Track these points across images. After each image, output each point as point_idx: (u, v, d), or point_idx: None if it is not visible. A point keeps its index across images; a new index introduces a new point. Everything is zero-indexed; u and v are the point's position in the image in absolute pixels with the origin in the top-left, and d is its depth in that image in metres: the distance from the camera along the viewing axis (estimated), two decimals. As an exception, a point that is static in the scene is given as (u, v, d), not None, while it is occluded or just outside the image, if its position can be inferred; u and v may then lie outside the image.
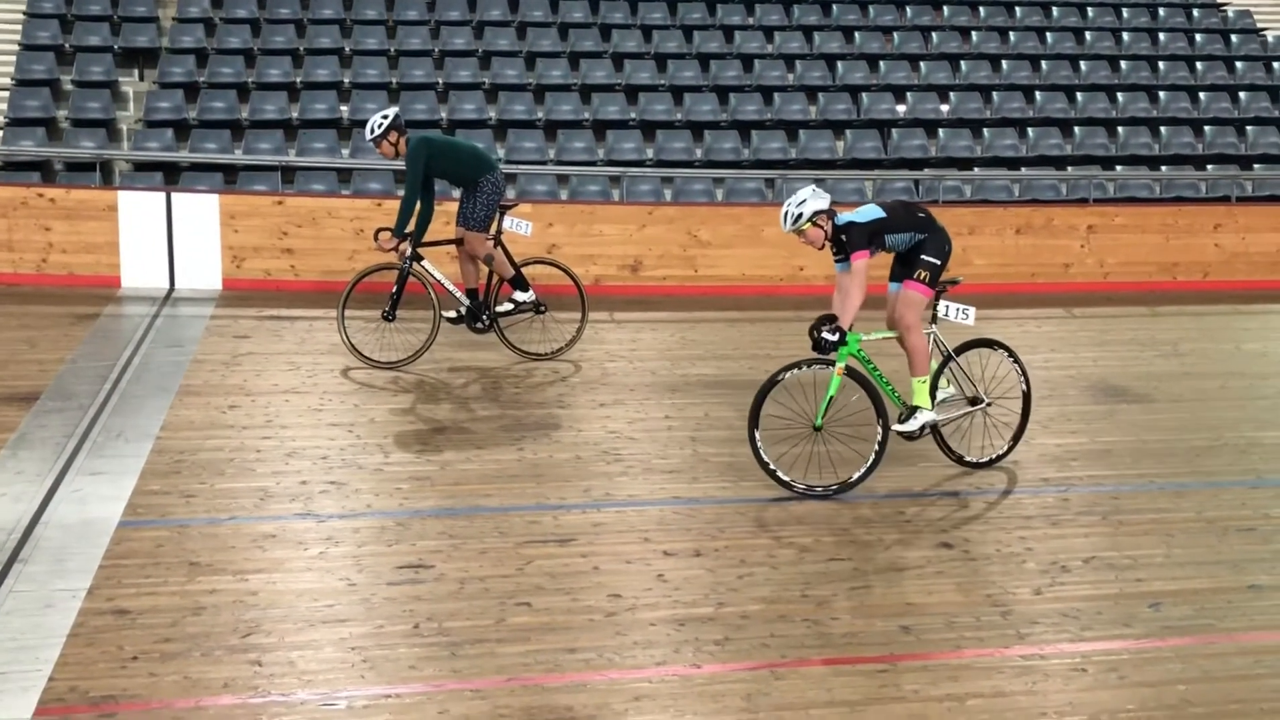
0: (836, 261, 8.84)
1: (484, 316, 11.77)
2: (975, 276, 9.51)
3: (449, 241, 11.83)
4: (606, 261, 15.09)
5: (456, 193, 12.40)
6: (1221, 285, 16.54)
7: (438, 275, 11.69)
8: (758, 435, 8.61)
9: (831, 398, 8.61)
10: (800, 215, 8.60)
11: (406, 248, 11.41)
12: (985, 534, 8.13)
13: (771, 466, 8.66)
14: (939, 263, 8.86)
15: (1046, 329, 14.11)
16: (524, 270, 11.80)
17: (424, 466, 9.06)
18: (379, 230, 11.52)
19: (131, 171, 16.49)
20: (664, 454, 9.49)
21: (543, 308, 11.89)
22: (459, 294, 11.79)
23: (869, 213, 8.76)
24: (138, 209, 14.41)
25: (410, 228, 11.34)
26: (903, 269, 8.94)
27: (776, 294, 15.37)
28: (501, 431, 9.94)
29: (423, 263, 11.59)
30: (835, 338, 8.47)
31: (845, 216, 8.74)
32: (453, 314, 11.81)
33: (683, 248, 15.39)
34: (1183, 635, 6.78)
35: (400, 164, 11.84)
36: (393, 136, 11.40)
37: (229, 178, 16.24)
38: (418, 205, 11.35)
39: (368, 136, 11.44)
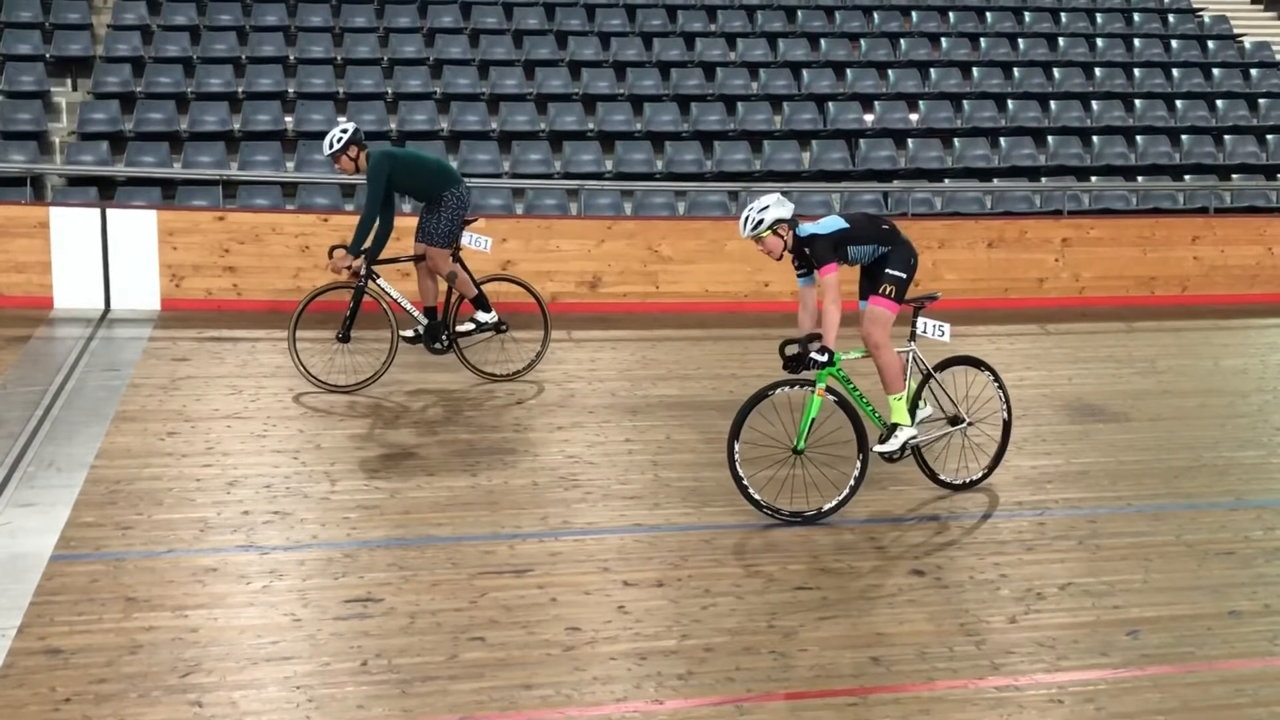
0: (799, 276, 8.86)
1: (443, 336, 11.75)
2: (946, 292, 9.54)
3: (407, 259, 11.81)
4: (564, 278, 15.09)
5: (408, 206, 12.38)
6: (1200, 299, 16.66)
7: (394, 294, 11.67)
8: (737, 456, 8.59)
9: (813, 420, 8.62)
10: (760, 222, 8.61)
11: (361, 265, 11.39)
12: (958, 560, 8.15)
13: (750, 490, 8.65)
14: (904, 276, 8.89)
15: (1020, 346, 14.17)
16: (483, 287, 11.80)
17: (373, 495, 9.02)
18: (333, 247, 11.50)
19: (64, 186, 16.39)
20: (624, 479, 9.49)
21: (504, 327, 11.89)
22: (417, 313, 11.78)
23: (831, 224, 8.79)
24: (71, 226, 14.33)
25: (367, 244, 11.33)
26: (869, 284, 8.97)
27: (741, 311, 15.40)
28: (454, 457, 9.91)
29: (379, 281, 11.57)
30: (825, 358, 8.49)
31: (807, 228, 8.77)
32: (410, 333, 11.79)
33: (643, 263, 15.41)
34: (1162, 664, 6.80)
35: (356, 179, 11.79)
36: (352, 151, 11.39)
37: (167, 192, 16.16)
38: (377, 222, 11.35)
39: (325, 151, 11.43)
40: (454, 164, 17.05)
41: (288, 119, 17.72)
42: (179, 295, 14.51)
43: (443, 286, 11.78)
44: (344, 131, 11.40)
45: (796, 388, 8.68)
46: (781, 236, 8.67)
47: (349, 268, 11.34)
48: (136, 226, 14.43)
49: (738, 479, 8.63)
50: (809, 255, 8.70)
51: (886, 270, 8.87)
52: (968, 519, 8.90)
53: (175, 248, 14.48)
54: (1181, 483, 9.77)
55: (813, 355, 8.48)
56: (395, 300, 11.65)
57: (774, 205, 8.64)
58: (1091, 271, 16.45)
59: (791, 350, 8.64)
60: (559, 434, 10.54)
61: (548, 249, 15.14)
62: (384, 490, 9.12)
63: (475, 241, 11.89)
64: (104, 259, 14.39)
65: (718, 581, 7.70)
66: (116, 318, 14.12)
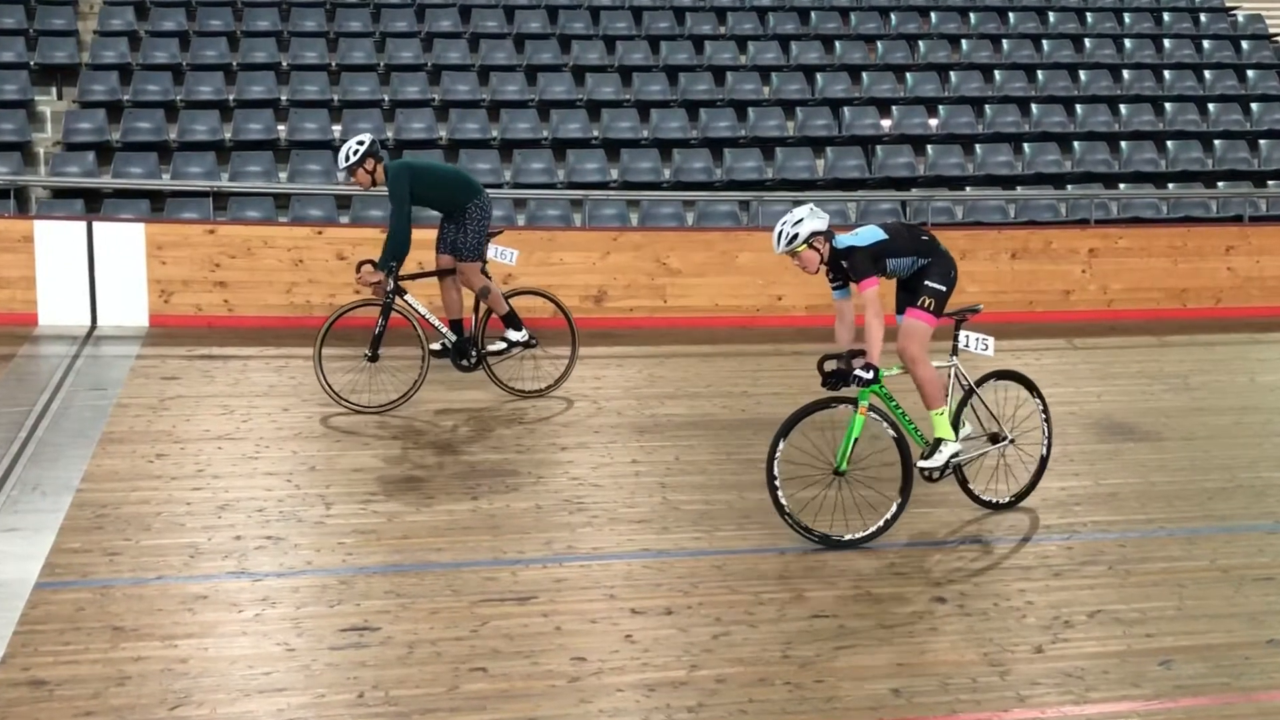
0: (834, 289, 8.87)
1: (471, 353, 11.78)
2: (981, 304, 9.57)
3: (431, 273, 11.84)
4: (568, 292, 15.04)
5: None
6: (1234, 312, 16.64)
7: (422, 310, 11.69)
8: (778, 477, 8.56)
9: (855, 439, 8.62)
10: (796, 236, 8.60)
11: (389, 282, 11.41)
12: (982, 586, 8.14)
13: (789, 511, 8.63)
14: (944, 289, 8.89)
15: (1046, 362, 14.16)
16: (510, 300, 11.84)
17: (369, 519, 9.03)
18: (361, 262, 11.49)
19: (49, 199, 16.43)
20: (631, 502, 9.49)
21: (534, 343, 11.94)
22: (444, 328, 11.81)
23: (869, 235, 8.78)
24: (56, 240, 14.37)
25: (395, 261, 11.36)
26: (907, 297, 8.97)
27: (752, 325, 15.41)
28: (454, 480, 9.92)
29: (406, 297, 11.59)
30: (870, 375, 8.49)
31: (844, 239, 8.76)
32: (437, 346, 11.81)
33: (650, 276, 15.42)
34: (1196, 696, 6.79)
35: (375, 192, 11.77)
36: (369, 164, 11.40)
37: (156, 205, 16.19)
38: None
39: (341, 164, 11.45)
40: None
41: (280, 128, 17.75)
42: (168, 311, 14.54)
43: (468, 301, 11.80)
44: (360, 144, 11.39)
45: (837, 406, 8.67)
46: (818, 250, 8.66)
47: (379, 284, 11.36)
48: (124, 240, 14.46)
49: (778, 502, 8.60)
50: (846, 268, 8.69)
51: (926, 283, 8.88)
52: (992, 543, 8.89)
53: (164, 262, 14.50)
54: (1216, 505, 9.76)
55: (857, 372, 8.48)
56: (423, 316, 11.67)
57: (808, 218, 8.62)
58: (1120, 283, 16.44)
59: (830, 366, 8.64)
60: (563, 455, 10.55)
61: (550, 262, 15.16)
62: (381, 514, 9.12)
63: (501, 254, 11.92)
64: (90, 274, 14.42)
65: (729, 609, 7.69)
66: (103, 335, 14.16)
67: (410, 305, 11.62)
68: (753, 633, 7.40)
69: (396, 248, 11.31)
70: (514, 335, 11.84)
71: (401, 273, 11.53)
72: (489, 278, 11.73)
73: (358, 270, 11.49)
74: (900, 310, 9.02)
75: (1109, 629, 7.52)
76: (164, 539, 8.54)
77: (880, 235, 8.78)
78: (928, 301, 8.85)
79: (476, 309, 11.84)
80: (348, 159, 11.39)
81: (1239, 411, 12.32)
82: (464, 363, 11.85)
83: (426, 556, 8.40)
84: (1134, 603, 7.88)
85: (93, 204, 16.11)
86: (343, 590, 7.82)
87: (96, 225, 14.55)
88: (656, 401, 12.17)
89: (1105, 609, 7.79)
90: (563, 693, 6.65)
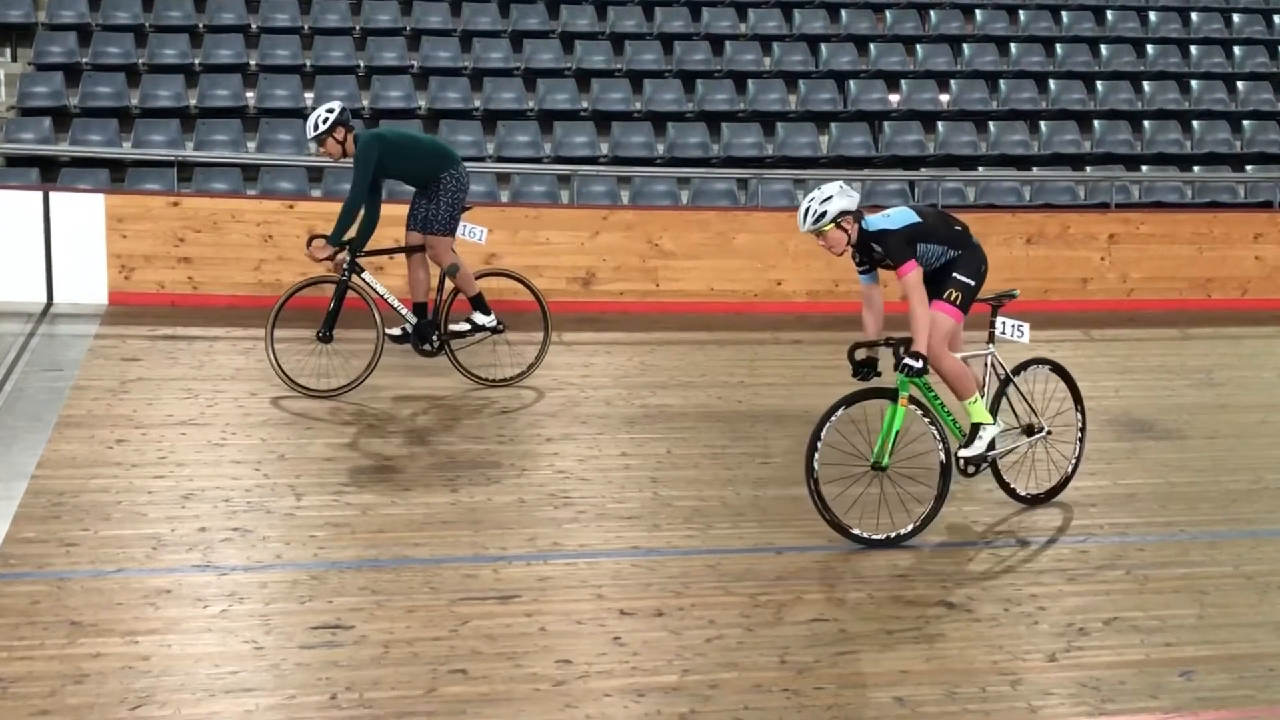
0: (861, 273, 8.90)
1: (434, 337, 11.79)
2: (1017, 290, 9.63)
3: (395, 250, 11.86)
4: (554, 274, 15.10)
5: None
6: (1262, 304, 16.67)
7: (381, 290, 11.70)
8: (816, 473, 8.59)
9: (897, 432, 8.68)
10: (824, 214, 8.61)
11: (345, 257, 11.43)
12: (992, 591, 8.18)
13: (833, 510, 8.67)
14: (973, 284, 8.94)
15: (1061, 354, 14.09)
16: (478, 282, 11.85)
17: (342, 511, 9.06)
18: (312, 236, 11.52)
19: (2, 167, 16.42)
20: (620, 497, 9.52)
21: (502, 328, 11.94)
22: (405, 310, 11.81)
23: (902, 217, 8.80)
24: (9, 211, 14.34)
25: (349, 234, 11.37)
26: (932, 289, 8.97)
27: (750, 312, 15.42)
28: (433, 470, 9.95)
29: (364, 275, 11.61)
30: (919, 364, 8.52)
31: (875, 221, 8.77)
32: (397, 332, 11.81)
33: (642, 258, 15.44)
34: (1218, 708, 6.83)
35: (344, 164, 11.80)
36: (339, 133, 11.41)
37: (116, 174, 16.19)
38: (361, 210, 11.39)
39: (310, 134, 11.46)
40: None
41: (249, 94, 17.74)
42: (128, 288, 14.52)
43: (434, 281, 11.81)
44: (330, 111, 11.41)
45: (874, 398, 8.72)
46: (845, 230, 8.68)
47: (330, 259, 11.38)
48: (82, 212, 14.43)
49: (823, 508, 8.65)
50: (876, 252, 8.72)
51: (954, 275, 8.92)
52: (1002, 545, 8.94)
53: (125, 236, 14.50)
54: (1240, 507, 9.80)
55: (906, 361, 8.52)
56: (381, 296, 11.68)
57: (838, 195, 8.63)
58: (1141, 271, 16.47)
59: (862, 355, 8.68)
60: (548, 446, 10.58)
61: (536, 241, 15.16)
62: (355, 506, 9.15)
63: (469, 232, 11.92)
64: (46, 247, 14.39)
65: (724, 611, 7.73)
66: (60, 313, 14.15)
67: (368, 284, 11.63)
68: (748, 636, 7.43)
69: (348, 222, 11.32)
70: (481, 319, 11.85)
71: (367, 249, 11.58)
72: (458, 256, 11.74)
73: (308, 244, 11.51)
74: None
75: (1126, 637, 7.57)
76: (125, 529, 8.56)
77: (914, 218, 8.79)
78: (954, 295, 8.89)
79: (440, 288, 11.84)
80: (316, 128, 11.40)
81: (1265, 409, 12.36)
82: (426, 347, 11.85)
83: (403, 551, 8.43)
84: (1153, 610, 7.92)
85: (49, 173, 16.09)
86: (314, 586, 7.85)
87: (53, 196, 14.51)
88: (648, 391, 12.19)
89: (1122, 616, 7.83)
90: (547, 697, 6.68)
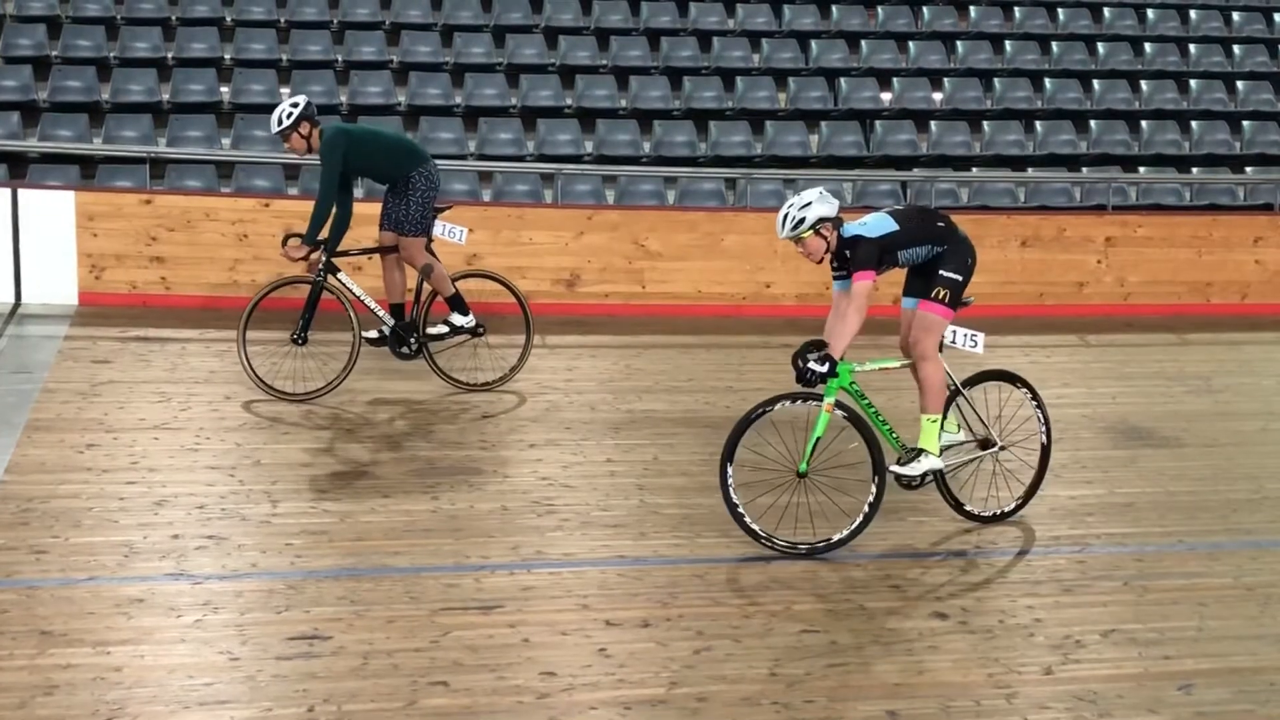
0: (836, 279, 8.92)
1: (411, 340, 11.79)
2: (973, 297, 9.58)
3: (370, 250, 11.86)
4: (538, 275, 15.11)
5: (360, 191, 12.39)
6: (1262, 309, 16.71)
7: (357, 291, 11.71)
8: (730, 478, 8.64)
9: (818, 439, 8.67)
10: (802, 221, 8.64)
11: (319, 258, 11.43)
12: (987, 602, 8.20)
13: (746, 518, 8.69)
14: (960, 279, 8.95)
15: (1057, 359, 14.23)
16: (457, 285, 11.84)
17: (320, 518, 9.05)
18: (287, 235, 11.52)
19: (-32, 163, 16.40)
20: (606, 505, 9.53)
21: (481, 330, 11.93)
22: (382, 312, 11.81)
23: (879, 225, 8.83)
24: (-24, 208, 14.34)
25: (324, 234, 11.37)
26: (921, 285, 9.01)
27: (738, 315, 15.44)
28: (413, 477, 9.95)
29: (339, 275, 11.61)
30: (824, 368, 8.52)
31: (852, 228, 8.80)
32: (374, 334, 11.82)
33: (628, 259, 15.44)
34: (1217, 722, 6.87)
35: (308, 159, 11.84)
36: (304, 128, 11.46)
37: (86, 171, 16.15)
38: (333, 209, 11.38)
39: (274, 128, 11.49)
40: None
41: (224, 89, 17.70)
42: (99, 288, 14.50)
43: (412, 282, 11.82)
44: (294, 106, 11.46)
45: (801, 403, 8.73)
46: (824, 237, 8.71)
47: (305, 259, 11.38)
48: (51, 209, 14.41)
49: (731, 505, 8.68)
50: (847, 257, 8.75)
51: (941, 271, 8.94)
52: (998, 555, 8.95)
53: (95, 234, 14.48)
54: (1240, 517, 9.83)
55: (811, 364, 8.51)
56: (358, 298, 11.69)
57: (817, 202, 8.67)
58: (1138, 275, 16.50)
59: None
60: (531, 452, 10.58)
61: (519, 242, 15.17)
62: (333, 514, 9.14)
63: (448, 232, 11.91)
64: (14, 246, 14.36)
65: (712, 622, 7.73)
66: (28, 313, 14.13)
67: (344, 285, 11.64)
68: (737, 648, 7.44)
69: (321, 220, 11.34)
70: (459, 320, 11.85)
71: (340, 249, 11.57)
72: (435, 256, 11.74)
73: (284, 244, 11.51)
74: (909, 293, 9.11)
75: (1124, 650, 7.59)
76: (96, 536, 8.55)
77: (890, 226, 8.82)
78: (942, 293, 8.90)
79: (419, 290, 11.84)
80: (280, 122, 11.44)
81: (1266, 416, 12.39)
82: (403, 350, 11.85)
83: (382, 560, 8.43)
84: (1151, 622, 7.95)
85: (17, 169, 16.05)
86: (291, 595, 7.85)
87: (21, 192, 14.49)
88: (634, 396, 12.21)
89: (1120, 628, 7.85)
90: (530, 710, 6.69)
